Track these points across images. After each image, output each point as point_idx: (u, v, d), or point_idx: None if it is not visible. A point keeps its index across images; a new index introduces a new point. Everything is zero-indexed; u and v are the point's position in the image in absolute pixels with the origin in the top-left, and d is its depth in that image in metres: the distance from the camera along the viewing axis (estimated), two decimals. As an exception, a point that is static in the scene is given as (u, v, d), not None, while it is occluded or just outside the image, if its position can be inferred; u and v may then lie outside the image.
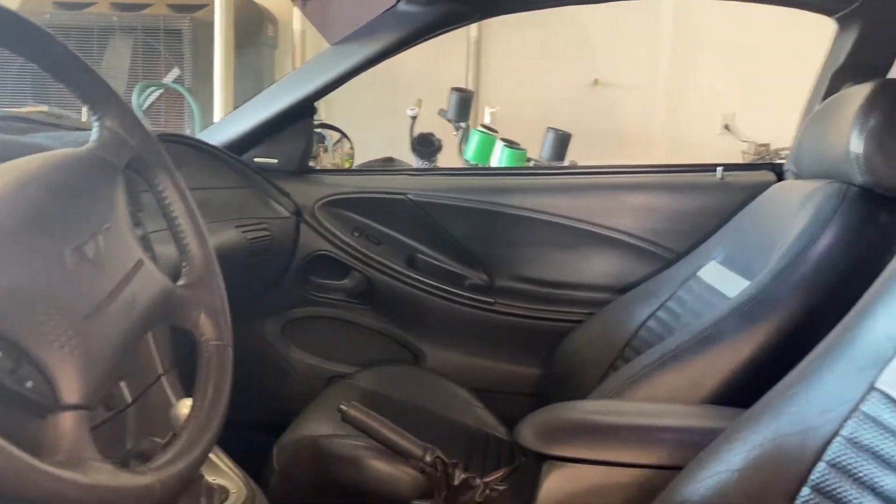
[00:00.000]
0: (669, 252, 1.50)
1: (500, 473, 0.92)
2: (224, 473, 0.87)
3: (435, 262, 1.62)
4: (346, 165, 2.30)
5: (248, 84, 2.99)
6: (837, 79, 1.39)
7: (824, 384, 0.68)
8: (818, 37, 1.50)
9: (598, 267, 1.55)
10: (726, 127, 3.41)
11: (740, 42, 3.21)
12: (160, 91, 2.97)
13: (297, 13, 3.36)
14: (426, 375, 1.52)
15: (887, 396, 0.63)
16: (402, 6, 1.41)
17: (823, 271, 1.01)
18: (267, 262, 1.44)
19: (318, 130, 2.04)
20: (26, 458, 0.39)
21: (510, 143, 2.38)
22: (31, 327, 0.45)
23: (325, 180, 1.65)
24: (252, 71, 3.24)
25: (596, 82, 3.49)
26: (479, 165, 2.42)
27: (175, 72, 2.98)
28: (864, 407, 0.64)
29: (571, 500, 0.82)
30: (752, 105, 3.29)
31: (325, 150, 2.18)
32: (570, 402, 1.03)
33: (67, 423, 0.45)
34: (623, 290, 1.48)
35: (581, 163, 2.48)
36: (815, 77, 1.47)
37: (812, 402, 0.67)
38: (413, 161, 2.78)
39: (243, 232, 1.29)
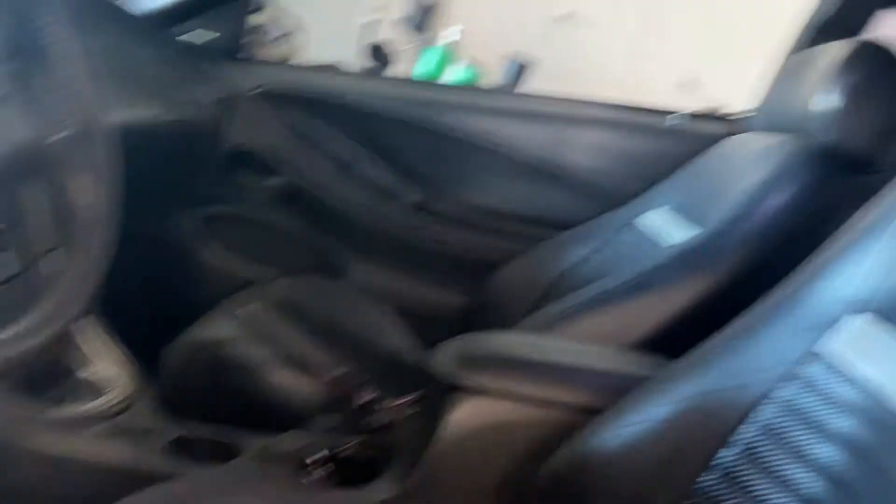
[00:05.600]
0: (614, 194, 1.44)
1: (409, 398, 0.86)
2: (110, 365, 0.79)
3: (369, 175, 1.52)
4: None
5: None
6: (819, 36, 1.32)
7: (762, 342, 0.63)
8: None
9: (542, 202, 1.48)
10: (684, 84, 3.36)
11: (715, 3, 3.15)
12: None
13: None
14: (347, 290, 1.43)
15: (823, 360, 0.59)
16: None
17: (772, 228, 0.97)
18: (184, 151, 1.31)
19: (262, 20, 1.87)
20: None
21: (469, 66, 2.27)
22: None
23: (258, 71, 1.51)
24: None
25: (571, 15, 3.38)
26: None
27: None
28: (800, 370, 0.60)
29: (478, 435, 0.76)
30: (711, 67, 3.25)
31: (264, 44, 2.00)
32: (491, 332, 0.97)
33: None
34: (562, 227, 1.42)
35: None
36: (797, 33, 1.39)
37: (747, 359, 0.63)
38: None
39: (157, 112, 1.15)
